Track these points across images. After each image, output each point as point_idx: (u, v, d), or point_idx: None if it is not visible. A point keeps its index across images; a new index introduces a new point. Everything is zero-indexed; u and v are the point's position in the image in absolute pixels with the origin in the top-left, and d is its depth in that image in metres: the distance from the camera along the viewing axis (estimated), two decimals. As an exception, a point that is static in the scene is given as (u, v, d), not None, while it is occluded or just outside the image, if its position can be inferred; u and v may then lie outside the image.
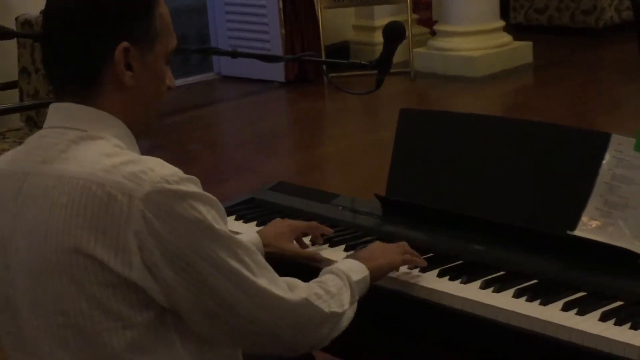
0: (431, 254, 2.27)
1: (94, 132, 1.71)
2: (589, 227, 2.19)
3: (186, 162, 1.71)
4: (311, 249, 2.36)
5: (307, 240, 2.39)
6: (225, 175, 5.71)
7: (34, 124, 5.15)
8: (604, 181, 2.20)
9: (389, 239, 2.35)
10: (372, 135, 6.55)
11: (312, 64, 7.83)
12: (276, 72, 7.94)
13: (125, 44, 1.70)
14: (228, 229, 1.72)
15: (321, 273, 2.00)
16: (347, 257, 2.15)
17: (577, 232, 2.18)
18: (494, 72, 7.87)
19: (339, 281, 1.95)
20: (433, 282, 2.14)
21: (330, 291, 1.90)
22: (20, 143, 4.88)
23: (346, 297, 1.93)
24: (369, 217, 2.54)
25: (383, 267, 2.10)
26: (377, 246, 2.19)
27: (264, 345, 1.80)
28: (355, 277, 2.00)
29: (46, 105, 5.46)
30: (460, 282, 2.12)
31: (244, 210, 2.63)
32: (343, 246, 2.36)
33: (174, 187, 1.63)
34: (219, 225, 1.68)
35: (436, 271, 2.18)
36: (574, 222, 2.20)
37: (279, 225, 2.36)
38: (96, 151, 1.68)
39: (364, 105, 7.16)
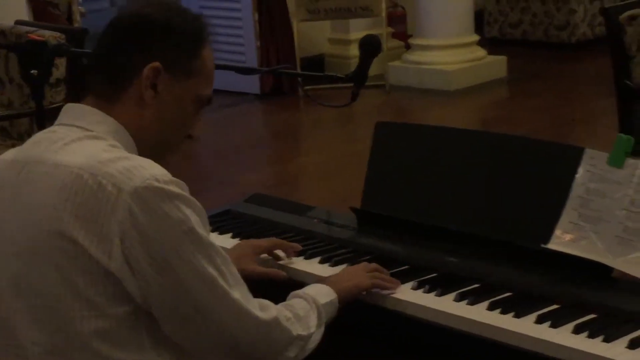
0: (406, 266, 2.27)
1: (98, 134, 1.78)
2: (562, 241, 2.19)
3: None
4: (286, 261, 2.36)
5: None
6: (201, 186, 5.69)
7: (7, 134, 5.11)
8: (577, 195, 2.21)
9: (364, 250, 2.37)
10: (347, 148, 6.55)
11: (287, 76, 7.84)
12: (252, 84, 7.93)
13: (157, 64, 1.77)
14: (209, 237, 1.75)
15: (289, 297, 2.02)
16: (317, 281, 2.15)
17: (551, 245, 2.19)
18: (469, 86, 7.90)
19: (306, 304, 1.97)
20: (407, 294, 2.14)
21: (298, 314, 1.92)
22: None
23: (313, 320, 1.95)
24: (344, 229, 2.54)
25: (351, 290, 2.10)
26: (346, 270, 2.20)
27: (229, 357, 1.81)
28: (323, 300, 2.02)
29: (20, 116, 5.44)
30: (435, 295, 2.12)
31: (219, 222, 2.62)
32: (318, 258, 2.35)
33: (163, 186, 1.68)
34: (201, 230, 1.72)
35: (411, 284, 2.18)
36: (547, 236, 2.20)
37: (241, 247, 2.35)
38: (95, 146, 1.74)
39: (339, 117, 7.16)
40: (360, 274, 2.15)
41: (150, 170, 1.70)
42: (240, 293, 1.77)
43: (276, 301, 1.94)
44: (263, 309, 1.83)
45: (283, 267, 2.34)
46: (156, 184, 1.68)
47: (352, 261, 2.30)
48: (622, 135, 2.20)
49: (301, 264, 2.34)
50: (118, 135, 1.80)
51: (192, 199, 1.74)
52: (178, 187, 1.71)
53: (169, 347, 1.76)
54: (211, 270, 1.72)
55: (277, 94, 7.98)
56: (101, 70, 1.84)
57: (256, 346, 1.80)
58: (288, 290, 2.02)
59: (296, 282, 2.27)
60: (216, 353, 1.81)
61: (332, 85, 5.57)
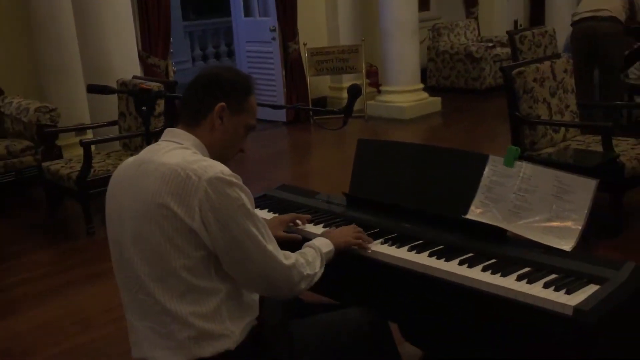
0: (377, 230, 2.27)
1: (187, 146, 1.80)
2: (475, 213, 2.19)
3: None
4: (302, 227, 2.34)
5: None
6: (247, 180, 5.68)
7: (127, 147, 5.14)
8: (484, 184, 2.21)
9: (351, 220, 2.34)
10: (340, 156, 6.54)
11: (303, 110, 7.84)
12: (280, 115, 7.93)
13: (223, 103, 1.80)
14: (254, 210, 1.75)
15: (303, 246, 2.01)
16: (322, 233, 2.13)
17: (468, 216, 2.19)
18: (417, 116, 7.87)
19: (314, 252, 1.96)
20: (378, 247, 2.15)
21: (308, 260, 1.91)
22: (119, 160, 4.91)
23: (318, 263, 1.93)
24: (339, 206, 2.53)
25: (342, 244, 2.08)
26: (339, 230, 2.16)
27: (262, 287, 1.80)
28: (325, 249, 2.00)
29: (135, 136, 5.44)
30: (395, 247, 2.12)
31: (260, 202, 2.62)
32: (322, 224, 2.35)
33: (226, 177, 1.70)
34: (249, 206, 1.73)
35: (380, 240, 2.18)
36: (466, 209, 2.21)
37: (272, 222, 2.32)
38: (184, 153, 1.76)
39: (334, 137, 7.16)
40: (349, 233, 2.13)
41: (219, 167, 1.72)
42: (273, 246, 1.77)
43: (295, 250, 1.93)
44: (287, 257, 1.82)
45: (299, 230, 2.33)
46: (222, 175, 1.70)
47: (344, 225, 2.28)
48: (512, 146, 2.21)
49: (311, 228, 2.34)
50: (198, 147, 1.82)
51: (244, 186, 1.75)
52: (235, 178, 1.73)
53: (227, 279, 1.77)
54: (255, 231, 1.73)
55: (296, 122, 7.97)
56: (187, 108, 1.85)
57: (280, 281, 1.79)
58: (298, 248, 2.00)
59: (308, 239, 2.28)
60: (255, 284, 1.80)
61: (331, 116, 5.58)
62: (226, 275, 1.76)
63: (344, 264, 2.10)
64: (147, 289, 1.74)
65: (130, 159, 1.88)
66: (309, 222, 2.37)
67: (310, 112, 7.79)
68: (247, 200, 1.73)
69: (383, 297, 2.21)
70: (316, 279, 1.92)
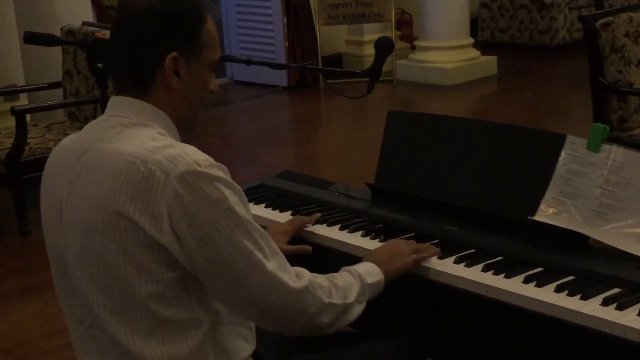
0: (412, 234, 2.26)
1: (143, 121, 1.75)
2: (546, 213, 2.18)
3: (203, 152, 1.74)
4: (311, 228, 2.35)
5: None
6: (236, 164, 5.71)
7: (75, 118, 5.15)
8: (560, 175, 2.19)
9: (376, 220, 2.36)
10: (359, 133, 6.54)
11: (310, 71, 7.82)
12: (280, 78, 7.92)
13: (174, 54, 1.74)
14: (249, 215, 1.71)
15: (340, 270, 1.96)
16: (368, 256, 2.07)
17: (537, 217, 2.18)
18: (464, 82, 7.85)
19: (351, 278, 1.92)
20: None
21: (337, 284, 1.86)
22: (63, 134, 4.91)
23: (353, 292, 1.88)
24: (361, 201, 2.53)
25: (397, 270, 2.03)
26: (391, 248, 2.10)
27: (265, 321, 1.79)
28: (370, 279, 1.95)
29: (86, 102, 5.48)
30: (437, 258, 2.12)
31: (255, 194, 2.62)
32: (338, 225, 2.35)
33: (204, 170, 1.65)
34: (239, 208, 1.68)
35: (417, 248, 2.17)
36: (534, 209, 2.19)
37: (271, 232, 2.29)
38: (143, 135, 1.72)
39: (353, 108, 7.14)
40: (404, 252, 2.07)
41: (193, 156, 1.66)
42: (276, 264, 1.73)
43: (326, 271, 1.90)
44: (299, 276, 1.78)
45: (309, 234, 2.33)
46: (198, 168, 1.64)
47: (366, 229, 2.29)
48: (599, 124, 2.19)
49: (324, 231, 2.34)
50: (160, 120, 1.77)
51: (231, 181, 1.70)
52: (217, 171, 1.67)
53: (212, 305, 1.75)
54: (248, 243, 1.68)
55: (301, 87, 7.96)
56: (124, 70, 1.78)
57: (287, 311, 1.76)
58: (315, 254, 2.00)
59: (319, 245, 2.29)
60: (253, 315, 1.78)
61: (349, 79, 5.54)
62: (208, 303, 1.74)
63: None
64: (102, 324, 1.72)
65: (69, 140, 1.84)
66: (321, 222, 2.37)
67: (321, 74, 7.77)
68: (236, 200, 1.69)
69: (418, 324, 2.20)
70: (351, 314, 1.87)
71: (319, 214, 2.40)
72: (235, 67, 8.38)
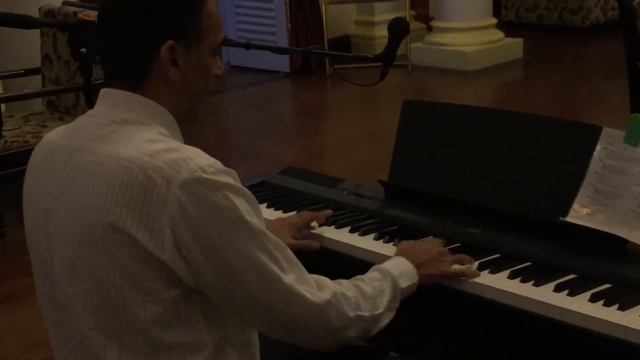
0: (430, 237, 2.25)
1: (139, 118, 1.72)
2: (579, 214, 2.18)
3: (197, 146, 1.72)
4: (318, 230, 2.36)
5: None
6: (234, 159, 5.71)
7: (55, 108, 5.15)
8: (594, 171, 2.19)
9: (390, 221, 2.37)
10: (370, 124, 6.55)
11: (315, 56, 7.82)
12: (282, 63, 7.92)
13: (170, 42, 1.70)
14: (262, 224, 1.70)
15: (371, 269, 1.95)
16: (403, 251, 2.05)
17: (569, 219, 2.17)
18: (486, 67, 7.85)
19: (382, 283, 1.90)
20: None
21: (365, 293, 1.85)
22: (42, 126, 4.91)
23: (384, 301, 1.88)
24: (373, 200, 2.53)
25: (432, 278, 2.02)
26: (429, 247, 2.09)
27: (285, 336, 1.79)
28: (404, 283, 1.95)
29: (67, 91, 5.47)
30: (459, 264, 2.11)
31: (255, 193, 2.58)
32: (348, 227, 2.35)
33: (210, 177, 1.62)
34: (250, 217, 1.66)
35: (436, 253, 2.17)
36: (565, 209, 2.19)
37: (278, 224, 2.31)
38: (140, 136, 1.68)
39: (362, 96, 7.14)
40: (446, 259, 2.06)
41: (197, 161, 1.63)
42: (294, 276, 1.72)
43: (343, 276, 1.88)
44: (320, 288, 1.77)
45: (316, 237, 2.34)
46: (203, 175, 1.61)
47: (379, 231, 2.30)
48: (638, 115, 2.18)
49: (332, 233, 2.34)
50: (159, 116, 1.74)
51: (241, 187, 1.68)
52: (225, 177, 1.65)
53: (217, 325, 1.73)
54: (262, 256, 1.67)
55: (305, 73, 7.97)
56: (114, 61, 1.75)
57: (310, 328, 1.75)
58: (322, 259, 2.00)
59: (327, 249, 2.29)
60: (272, 332, 1.78)
61: (359, 64, 5.55)
62: (216, 320, 1.73)
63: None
64: (92, 346, 1.70)
65: (55, 136, 1.81)
66: (329, 223, 2.38)
67: (328, 59, 7.77)
68: (247, 208, 1.67)
69: (434, 337, 2.20)
70: (381, 323, 1.87)
71: (330, 211, 2.41)
72: (232, 52, 8.38)
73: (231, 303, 1.70)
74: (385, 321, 1.88)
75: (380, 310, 1.86)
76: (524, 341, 2.00)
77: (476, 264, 2.09)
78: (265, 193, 2.64)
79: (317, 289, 1.75)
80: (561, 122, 2.34)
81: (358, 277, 1.90)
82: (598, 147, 2.20)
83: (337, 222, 2.38)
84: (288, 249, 1.74)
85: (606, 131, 2.21)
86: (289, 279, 1.70)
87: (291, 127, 6.96)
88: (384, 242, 2.26)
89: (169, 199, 1.60)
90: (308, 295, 1.73)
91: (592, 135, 2.22)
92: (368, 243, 2.27)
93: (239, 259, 1.65)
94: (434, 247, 2.10)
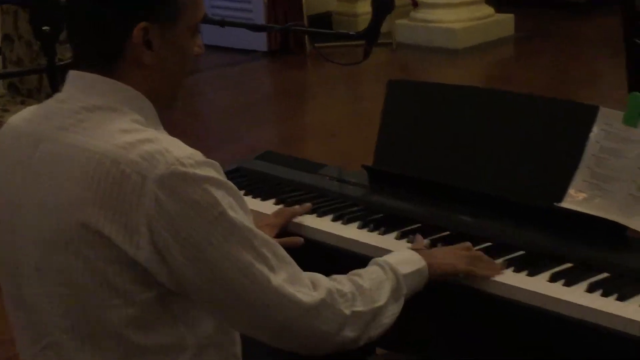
0: (419, 225, 2.25)
1: (112, 104, 1.68)
2: (575, 199, 2.18)
3: (169, 131, 1.71)
4: (299, 219, 2.35)
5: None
6: (208, 144, 5.69)
7: (17, 91, 5.11)
8: (591, 154, 2.19)
9: (376, 209, 2.37)
10: (353, 106, 6.55)
11: (295, 34, 7.80)
12: (259, 41, 7.90)
13: (143, 24, 1.66)
14: (249, 219, 1.67)
15: (369, 263, 1.92)
16: (328, 238, 2.07)
17: (564, 204, 2.18)
18: (476, 44, 7.86)
19: (380, 273, 1.87)
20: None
21: (362, 286, 1.81)
22: (3, 110, 4.87)
23: (384, 292, 1.83)
24: (357, 187, 2.53)
25: (444, 268, 1.98)
26: (443, 248, 2.08)
27: (279, 342, 1.75)
28: (405, 269, 1.90)
29: (29, 72, 5.42)
30: (448, 253, 2.11)
31: (231, 180, 2.59)
32: (330, 216, 2.35)
33: (189, 170, 1.60)
34: (235, 213, 1.63)
35: (425, 242, 2.15)
36: (560, 194, 2.19)
37: (257, 224, 2.29)
38: (113, 125, 1.65)
39: (345, 76, 7.13)
40: (459, 254, 2.03)
41: (175, 154, 1.60)
42: (286, 274, 1.68)
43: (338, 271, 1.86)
44: (315, 286, 1.73)
45: (296, 226, 2.33)
46: (182, 168, 1.59)
47: (363, 219, 2.29)
48: (637, 93, 2.18)
49: (314, 222, 2.33)
50: (133, 102, 1.70)
51: (223, 179, 1.65)
52: (207, 169, 1.62)
53: (198, 324, 1.72)
54: (248, 255, 1.64)
55: (284, 52, 7.96)
56: (88, 42, 1.72)
57: (304, 332, 1.71)
58: (302, 250, 1.99)
59: (309, 240, 2.28)
60: (263, 338, 1.74)
61: (341, 42, 5.53)
62: (197, 321, 1.71)
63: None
64: (63, 350, 1.69)
65: (20, 120, 1.77)
66: (311, 212, 2.37)
67: (308, 37, 7.75)
68: (231, 202, 1.64)
69: (424, 329, 2.20)
70: (385, 318, 1.82)
71: (309, 204, 2.39)
72: (206, 30, 8.25)
73: (217, 307, 1.68)
74: (390, 313, 1.83)
75: (381, 303, 1.82)
76: (517, 334, 2.01)
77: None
78: (242, 180, 2.63)
79: (311, 288, 1.72)
80: (555, 102, 2.35)
81: (355, 271, 1.87)
82: (595, 129, 2.20)
83: (318, 210, 2.37)
84: (278, 245, 1.71)
85: (603, 111, 2.21)
86: (279, 279, 1.67)
87: (270, 110, 6.95)
88: (368, 230, 2.25)
89: (145, 195, 1.58)
90: (300, 296, 1.68)
91: (588, 115, 2.22)
92: (352, 232, 2.26)
93: (223, 259, 1.62)
94: (451, 248, 2.07)
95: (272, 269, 1.67)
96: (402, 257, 1.95)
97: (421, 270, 1.93)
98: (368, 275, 1.85)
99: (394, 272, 1.88)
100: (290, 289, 1.68)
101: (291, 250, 2.01)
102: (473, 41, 7.88)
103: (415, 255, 1.96)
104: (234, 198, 1.65)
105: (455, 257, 2.02)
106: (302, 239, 2.25)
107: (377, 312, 1.81)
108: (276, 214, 2.35)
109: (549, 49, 7.76)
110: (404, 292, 1.88)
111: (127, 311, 1.64)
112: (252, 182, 2.61)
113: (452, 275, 2.00)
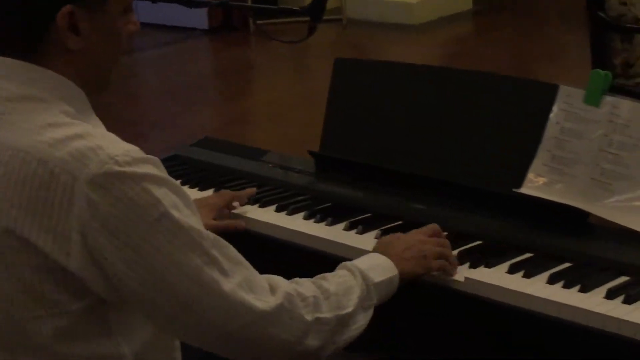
0: (369, 214, 2.26)
1: (38, 93, 1.64)
2: (535, 184, 2.20)
3: (102, 116, 1.68)
4: (240, 210, 2.35)
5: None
6: (144, 129, 5.66)
7: None
8: (551, 135, 2.21)
9: (323, 197, 2.37)
10: (301, 87, 6.54)
11: (238, 10, 7.77)
12: (199, 19, 7.86)
13: (69, 7, 1.63)
14: (196, 219, 1.64)
15: (337, 267, 1.89)
16: (376, 247, 2.00)
17: (523, 190, 2.19)
18: (432, 20, 7.89)
19: (349, 278, 1.83)
20: (371, 244, 2.11)
21: (327, 290, 1.77)
22: None
23: (352, 298, 1.80)
24: (302, 174, 2.54)
25: (416, 272, 1.96)
26: (411, 240, 2.02)
27: (234, 354, 1.71)
28: (378, 277, 1.87)
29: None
30: (401, 245, 2.11)
31: (166, 169, 2.58)
32: (274, 206, 2.35)
33: (125, 168, 1.56)
34: (179, 213, 1.59)
35: (374, 232, 2.18)
36: (519, 179, 2.21)
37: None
38: (40, 118, 1.61)
39: (292, 55, 7.12)
40: (430, 251, 1.99)
41: (108, 151, 1.56)
42: (239, 277, 1.65)
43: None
44: (272, 290, 1.69)
45: (237, 217, 2.33)
46: (116, 167, 1.55)
47: (309, 209, 2.30)
48: (599, 70, 2.20)
49: (256, 213, 2.33)
50: (61, 89, 1.67)
51: (165, 176, 1.62)
52: (145, 166, 1.58)
53: (136, 332, 1.70)
54: (196, 258, 1.60)
55: (226, 29, 7.92)
56: (8, 24, 1.67)
57: (260, 340, 1.67)
58: (244, 243, 1.97)
59: (251, 232, 2.28)
60: (214, 348, 1.71)
61: (286, 19, 5.53)
62: (135, 329, 1.68)
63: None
64: None
65: None
66: (253, 202, 2.38)
67: (250, 13, 7.73)
68: (174, 201, 1.60)
69: (380, 327, 2.21)
70: (353, 328, 1.79)
71: (253, 189, 2.40)
72: (140, 6, 8.22)
73: (162, 317, 1.64)
74: (360, 323, 1.81)
75: (348, 310, 1.78)
76: (475, 329, 2.02)
77: (372, 234, 2.12)
78: (178, 168, 2.62)
79: (268, 292, 1.68)
80: (513, 81, 2.36)
81: (320, 275, 1.83)
82: (555, 109, 2.22)
83: (261, 200, 2.37)
84: (230, 246, 1.67)
85: (564, 90, 2.22)
86: (232, 283, 1.63)
87: (210, 92, 6.92)
88: (315, 221, 2.25)
89: (76, 197, 1.54)
90: (255, 302, 1.65)
91: (548, 94, 2.23)
92: (297, 223, 2.27)
93: (167, 264, 1.58)
94: (416, 238, 2.04)
95: (223, 272, 1.63)
96: (373, 262, 1.91)
97: (392, 279, 1.90)
98: (335, 279, 1.82)
99: (364, 278, 1.85)
100: (244, 295, 1.64)
101: (231, 242, 1.99)
102: (430, 16, 7.90)
103: (386, 261, 1.92)
104: (178, 196, 1.61)
105: (425, 256, 1.99)
106: (244, 223, 2.25)
107: (344, 319, 1.77)
108: (217, 195, 2.35)
109: (509, 23, 7.82)
110: (374, 302, 1.85)
111: (57, 323, 1.61)
112: (189, 171, 2.61)
113: (422, 276, 1.98)
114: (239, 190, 2.43)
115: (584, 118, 2.18)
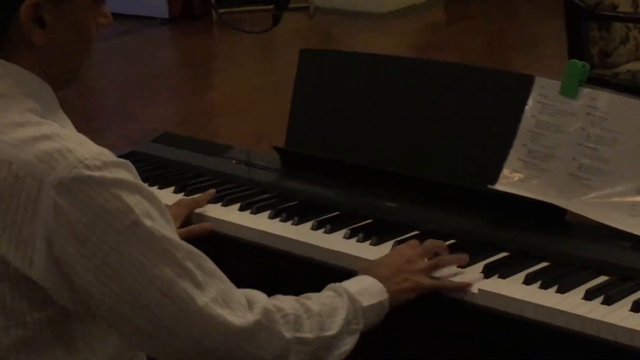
0: (337, 213, 2.26)
1: (3, 90, 1.63)
2: (510, 181, 2.20)
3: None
4: (201, 209, 2.34)
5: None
6: (100, 123, 5.64)
7: None
8: (527, 129, 2.21)
9: (289, 195, 2.37)
10: (266, 79, 6.53)
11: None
12: (158, 7, 7.85)
13: (32, 0, 1.61)
14: (170, 227, 1.62)
15: (325, 288, 1.87)
16: (366, 268, 1.97)
17: (498, 186, 2.20)
18: (402, 7, 7.91)
19: (335, 299, 1.81)
20: (339, 244, 2.13)
21: (310, 309, 1.75)
22: None
23: (337, 320, 1.78)
24: (267, 171, 2.54)
25: (407, 292, 1.92)
26: (398, 257, 1.98)
27: None
28: (367, 301, 1.85)
29: None
30: (370, 244, 2.12)
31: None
32: (238, 205, 2.34)
33: (95, 173, 1.54)
34: (152, 221, 1.58)
35: (342, 232, 2.17)
36: (494, 175, 2.21)
37: None
38: (5, 118, 1.60)
39: (257, 45, 7.12)
40: (419, 266, 1.97)
41: (77, 154, 1.54)
42: (215, 291, 1.63)
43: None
44: (250, 305, 1.68)
45: (200, 217, 2.33)
46: (85, 172, 1.53)
47: (275, 208, 2.29)
48: (576, 61, 2.20)
49: (219, 212, 2.33)
50: (27, 85, 1.65)
51: (138, 183, 1.60)
52: (116, 170, 1.56)
53: (110, 342, 1.68)
54: (168, 270, 1.58)
55: (187, 18, 7.91)
56: None
57: (235, 358, 1.66)
58: (205, 245, 1.96)
59: (216, 233, 2.28)
60: None
61: (250, 7, 5.54)
62: (101, 339, 1.67)
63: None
64: None
65: None
66: (215, 200, 2.37)
67: (212, 2, 7.72)
68: (147, 209, 1.58)
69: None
70: (335, 351, 1.77)
71: (213, 190, 2.39)
72: (96, -6, 8.27)
73: (131, 332, 1.62)
74: (345, 348, 1.78)
75: (332, 332, 1.76)
76: (449, 333, 2.02)
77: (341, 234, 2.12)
78: (136, 165, 2.55)
79: (245, 307, 1.67)
80: (487, 72, 2.37)
81: (305, 294, 1.81)
82: (530, 101, 2.22)
83: (224, 199, 2.37)
84: (206, 258, 1.65)
85: (539, 81, 2.23)
86: (206, 297, 1.61)
87: (170, 84, 6.91)
88: (280, 220, 2.25)
89: (42, 202, 1.53)
90: (230, 317, 1.63)
91: (523, 86, 2.24)
92: (262, 223, 2.26)
93: (137, 275, 1.56)
94: (402, 255, 2.01)
95: (198, 285, 1.61)
96: (362, 286, 1.88)
97: (382, 303, 1.88)
98: (319, 299, 1.80)
99: (352, 301, 1.82)
100: (219, 310, 1.62)
101: (196, 244, 1.98)
102: (399, 4, 7.92)
103: (377, 285, 1.89)
104: (152, 204, 1.60)
105: (414, 271, 1.96)
106: (210, 224, 2.25)
107: (326, 342, 1.76)
108: (177, 205, 2.33)
109: (482, 11, 7.84)
110: (360, 327, 1.83)
111: (16, 333, 1.60)
112: (148, 168, 2.60)
113: (414, 297, 1.95)
114: (200, 188, 2.43)
115: (561, 110, 2.19)
